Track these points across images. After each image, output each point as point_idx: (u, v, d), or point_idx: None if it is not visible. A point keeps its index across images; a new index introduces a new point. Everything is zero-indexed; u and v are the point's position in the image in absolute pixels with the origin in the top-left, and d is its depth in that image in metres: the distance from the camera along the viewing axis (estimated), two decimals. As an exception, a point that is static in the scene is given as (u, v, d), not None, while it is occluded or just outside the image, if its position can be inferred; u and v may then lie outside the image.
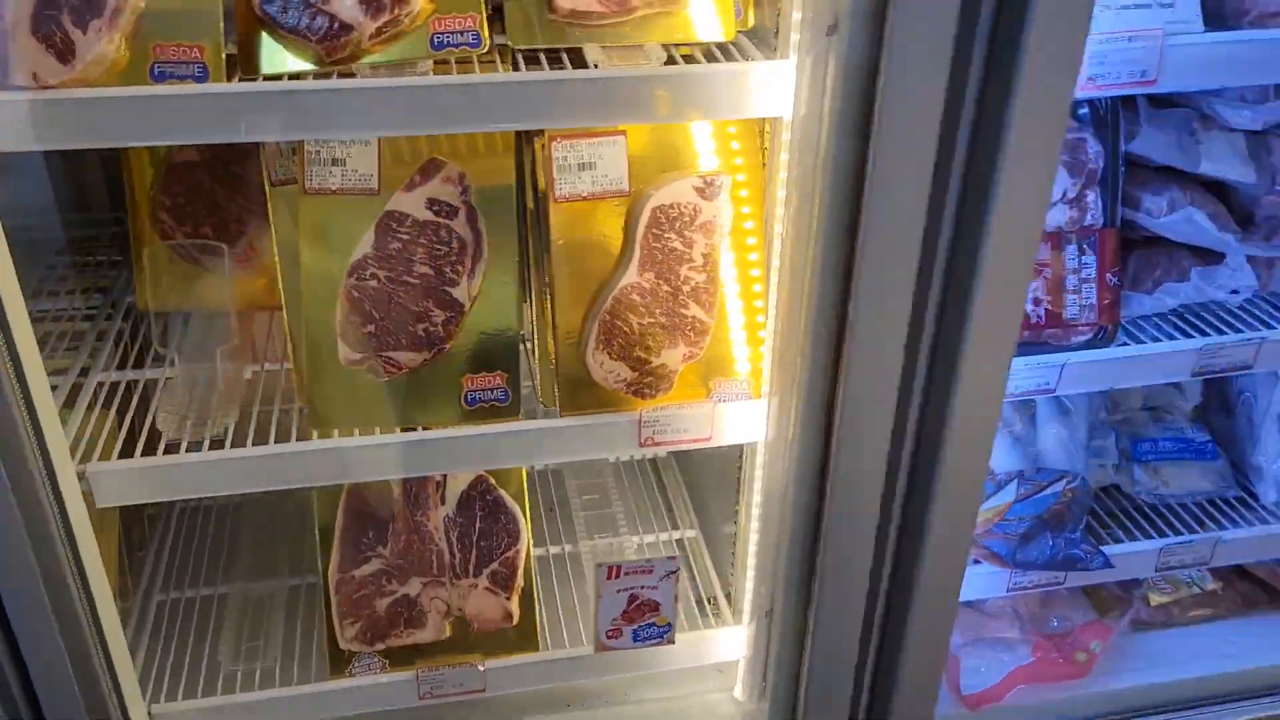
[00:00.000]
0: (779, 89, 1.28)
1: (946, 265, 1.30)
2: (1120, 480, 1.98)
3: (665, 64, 1.35)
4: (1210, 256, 1.67)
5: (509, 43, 1.39)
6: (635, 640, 1.51)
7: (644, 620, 1.49)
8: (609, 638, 1.50)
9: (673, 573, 1.46)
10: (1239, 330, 1.67)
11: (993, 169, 1.22)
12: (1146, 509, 1.97)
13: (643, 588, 1.47)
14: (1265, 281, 1.72)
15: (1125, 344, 1.63)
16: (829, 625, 1.56)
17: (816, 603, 1.54)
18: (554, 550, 2.01)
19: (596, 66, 1.32)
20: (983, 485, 1.47)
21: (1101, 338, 1.61)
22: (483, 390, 1.53)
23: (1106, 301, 1.60)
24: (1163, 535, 1.87)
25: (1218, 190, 1.68)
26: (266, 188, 1.48)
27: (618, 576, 1.45)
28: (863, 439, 1.39)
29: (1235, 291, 1.63)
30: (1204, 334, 1.66)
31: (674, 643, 1.54)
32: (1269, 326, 1.68)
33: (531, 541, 1.73)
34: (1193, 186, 1.64)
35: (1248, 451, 1.98)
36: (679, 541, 2.06)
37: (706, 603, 1.90)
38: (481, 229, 1.48)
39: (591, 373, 1.49)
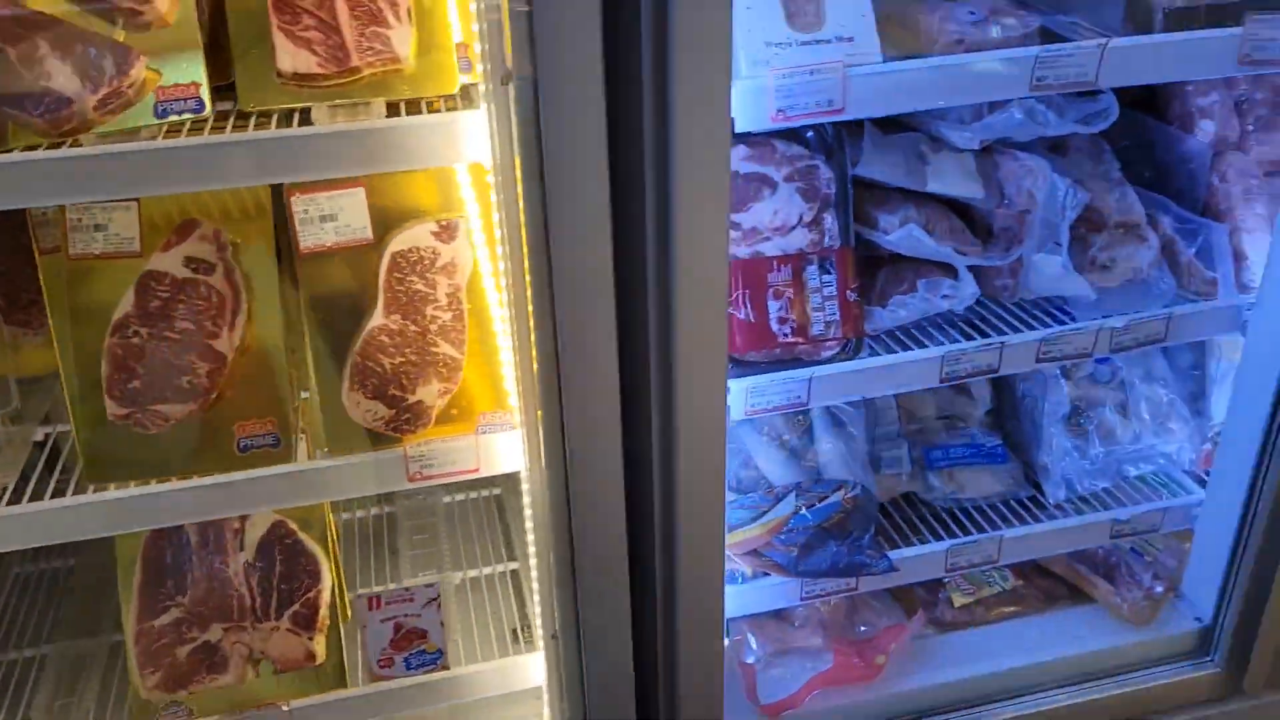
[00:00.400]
0: (480, 137, 1.38)
1: (653, 295, 1.40)
2: (916, 488, 2.06)
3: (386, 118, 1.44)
4: (950, 270, 1.77)
5: (240, 105, 1.47)
6: (408, 668, 1.57)
7: (413, 648, 1.55)
8: (381, 666, 1.56)
9: (434, 600, 1.52)
10: (988, 336, 1.77)
11: (666, 205, 1.31)
12: (943, 514, 2.06)
13: (407, 615, 1.53)
14: (1014, 290, 1.82)
15: (873, 355, 1.72)
16: (599, 645, 1.63)
17: (583, 624, 1.61)
18: (378, 590, 2.07)
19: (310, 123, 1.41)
20: (722, 498, 1.55)
21: (848, 350, 1.71)
22: (254, 436, 1.60)
23: (849, 316, 1.69)
24: (956, 537, 1.95)
25: (961, 207, 1.79)
26: (37, 256, 1.56)
27: (380, 607, 1.51)
28: (594, 462, 1.47)
29: (946, 298, 1.72)
30: (955, 340, 1.75)
31: (448, 668, 1.61)
32: (1018, 331, 1.79)
33: (343, 581, 1.79)
34: (929, 204, 1.75)
35: (1034, 452, 2.07)
36: (504, 574, 2.12)
37: (520, 631, 1.96)
38: (239, 283, 1.56)
39: (349, 413, 1.57)
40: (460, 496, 2.33)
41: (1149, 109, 1.97)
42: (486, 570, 2.12)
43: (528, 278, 1.39)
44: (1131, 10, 1.62)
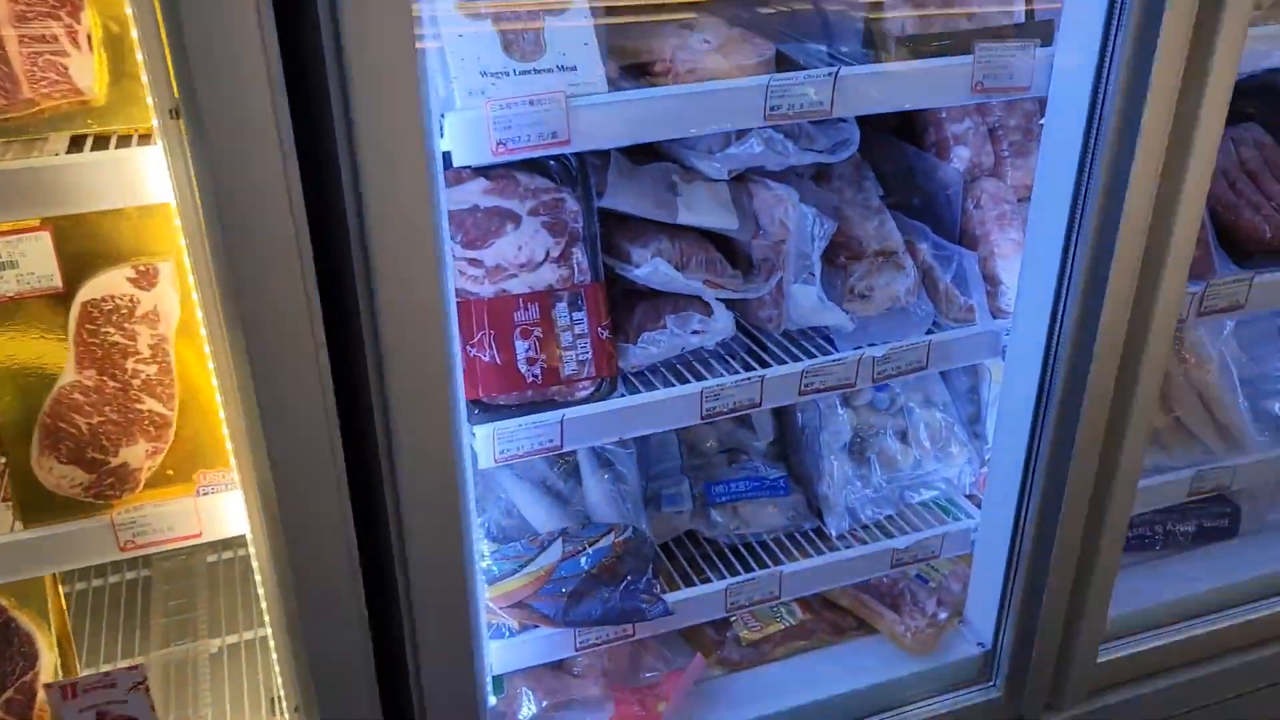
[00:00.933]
0: (161, 175, 1.26)
1: (367, 337, 1.30)
2: (699, 525, 2.01)
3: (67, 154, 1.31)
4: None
5: (-103, 144, 1.32)
6: (119, 759, 1.43)
7: (121, 736, 1.41)
8: (87, 760, 1.41)
9: (140, 683, 1.38)
10: (754, 368, 1.73)
11: (365, 243, 1.22)
12: (728, 551, 2.01)
13: (110, 703, 1.38)
14: (778, 320, 1.79)
15: (628, 393, 1.66)
16: (344, 716, 1.51)
17: (322, 695, 1.49)
18: (124, 664, 1.90)
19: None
20: (460, 551, 1.46)
21: (602, 390, 1.64)
22: (-62, 511, 1.43)
23: (602, 355, 1.63)
24: (739, 575, 1.90)
25: (723, 237, 1.75)
26: None
27: (75, 696, 1.36)
28: (311, 523, 1.36)
29: (696, 333, 1.68)
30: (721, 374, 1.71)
31: (166, 754, 1.46)
32: (784, 362, 1.75)
33: (76, 661, 1.62)
34: (685, 235, 1.70)
35: (816, 483, 2.04)
36: (265, 638, 1.97)
37: (276, 701, 1.82)
38: (-90, 340, 1.40)
39: (42, 479, 1.42)
40: (227, 555, 2.17)
41: (909, 135, 1.98)
42: (248, 635, 1.97)
43: (222, 324, 1.28)
44: (869, 38, 1.61)
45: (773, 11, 1.81)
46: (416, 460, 1.36)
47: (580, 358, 1.62)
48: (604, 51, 1.52)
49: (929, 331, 1.84)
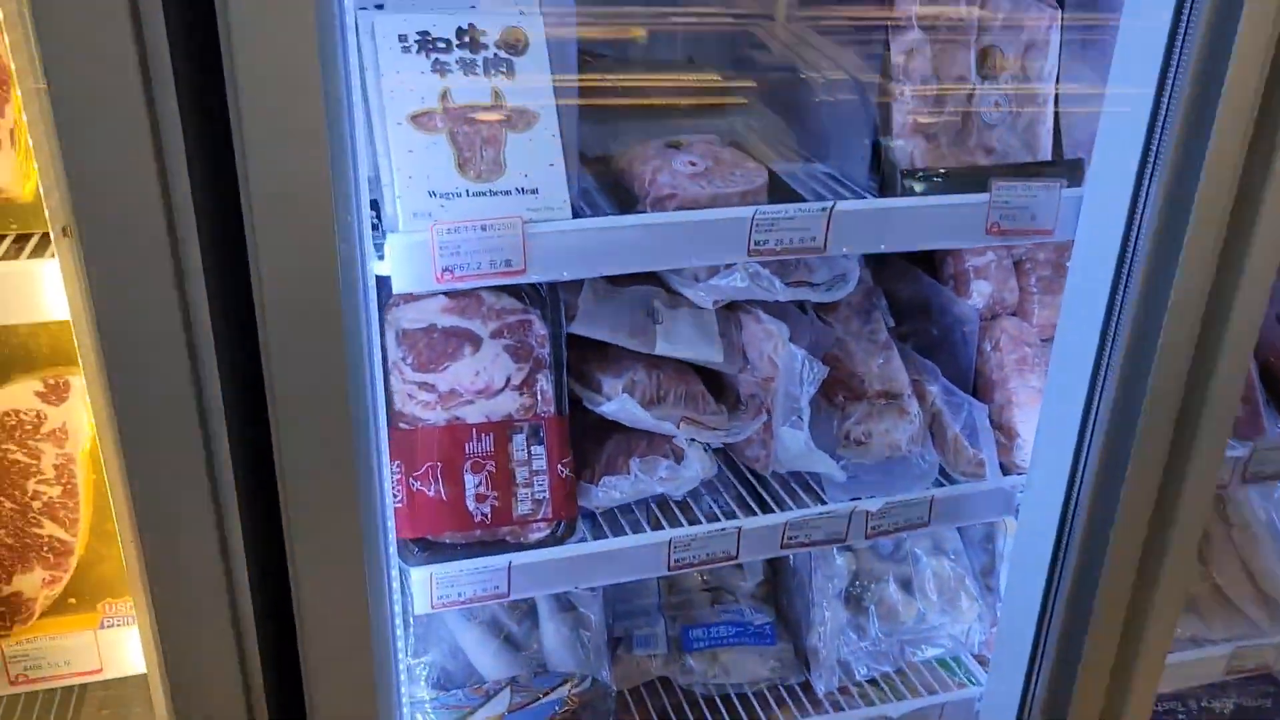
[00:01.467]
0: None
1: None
2: (672, 671, 1.83)
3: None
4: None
5: None
6: None
7: None
8: None
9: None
10: (732, 514, 1.57)
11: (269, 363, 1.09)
12: (703, 702, 1.83)
13: None
14: (766, 462, 1.62)
15: (589, 535, 1.50)
16: None
17: None
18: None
19: None
20: (373, 704, 1.30)
21: (558, 533, 1.49)
22: None
23: (561, 494, 1.48)
24: (709, 731, 1.73)
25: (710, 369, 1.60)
26: None
27: None
28: (203, 664, 1.22)
29: (663, 480, 1.51)
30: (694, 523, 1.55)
31: None
32: (773, 508, 1.59)
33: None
34: (667, 365, 1.55)
35: (805, 634, 1.86)
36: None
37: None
38: None
39: (-76, 605, 1.29)
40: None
41: (928, 261, 1.82)
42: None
43: (114, 443, 1.15)
44: (877, 166, 1.46)
45: (782, 125, 1.67)
46: (320, 607, 1.21)
47: (537, 496, 1.47)
48: (578, 167, 1.40)
49: (936, 483, 1.66)
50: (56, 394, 1.29)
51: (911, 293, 1.80)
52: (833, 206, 1.34)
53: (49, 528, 1.31)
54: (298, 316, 1.08)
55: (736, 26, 1.76)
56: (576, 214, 1.37)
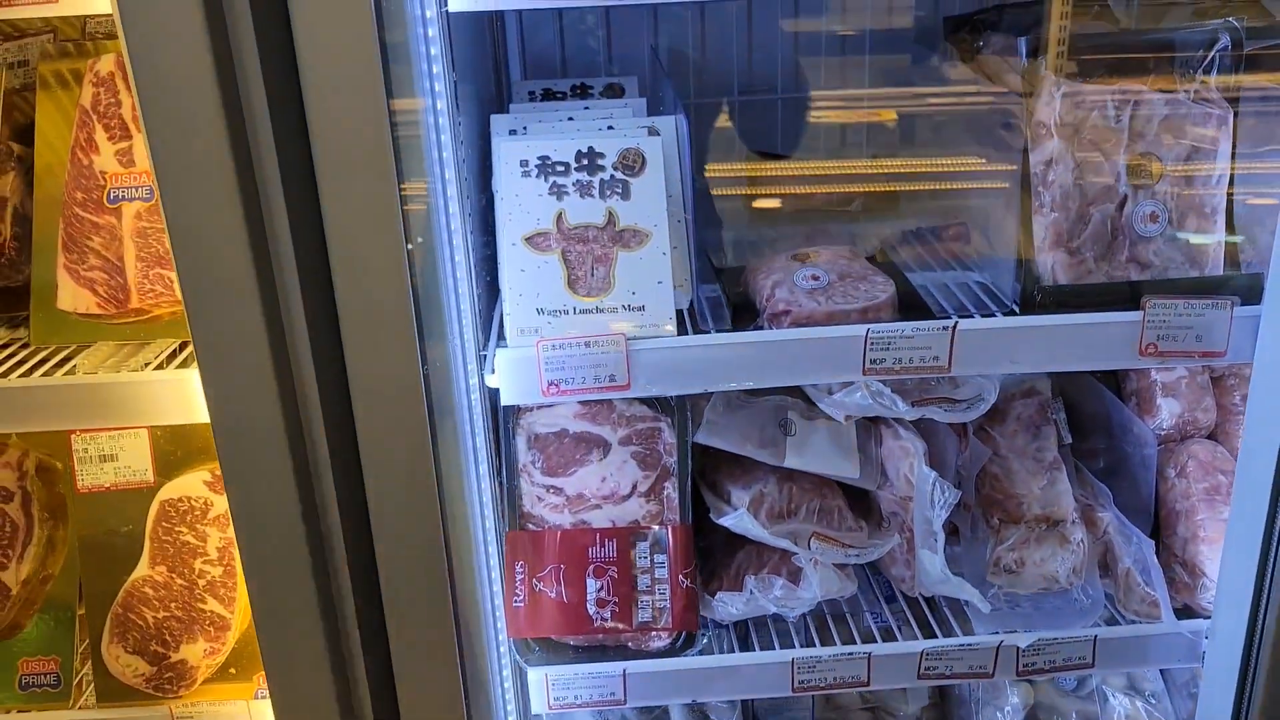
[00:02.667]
0: (212, 396, 1.28)
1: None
2: (823, 794, 1.76)
3: (163, 363, 1.37)
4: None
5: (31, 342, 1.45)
6: None
7: None
8: None
9: None
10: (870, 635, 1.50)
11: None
12: (854, 829, 1.74)
13: None
14: (910, 583, 1.54)
15: (714, 644, 1.48)
16: None
17: None
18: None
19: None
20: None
21: (679, 644, 1.48)
22: (36, 675, 1.53)
23: (681, 604, 1.47)
24: None
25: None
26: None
27: None
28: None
29: (778, 600, 1.46)
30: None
31: None
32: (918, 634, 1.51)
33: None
34: (800, 477, 1.51)
35: (970, 770, 1.73)
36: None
37: None
38: (34, 513, 1.52)
39: (109, 666, 1.47)
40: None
41: (1113, 373, 1.67)
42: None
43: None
44: (1021, 277, 1.37)
45: (939, 237, 1.60)
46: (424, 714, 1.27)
47: (658, 605, 1.47)
48: (699, 278, 1.41)
49: (1106, 620, 1.51)
50: (221, 484, 1.44)
51: (1094, 408, 1.66)
52: (955, 325, 1.27)
53: (211, 604, 1.46)
54: (388, 431, 1.15)
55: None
56: (696, 326, 1.38)
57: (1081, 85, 1.28)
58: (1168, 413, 1.57)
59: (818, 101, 1.96)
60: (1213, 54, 1.29)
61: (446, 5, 1.13)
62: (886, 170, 1.86)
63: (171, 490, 1.44)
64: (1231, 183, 1.31)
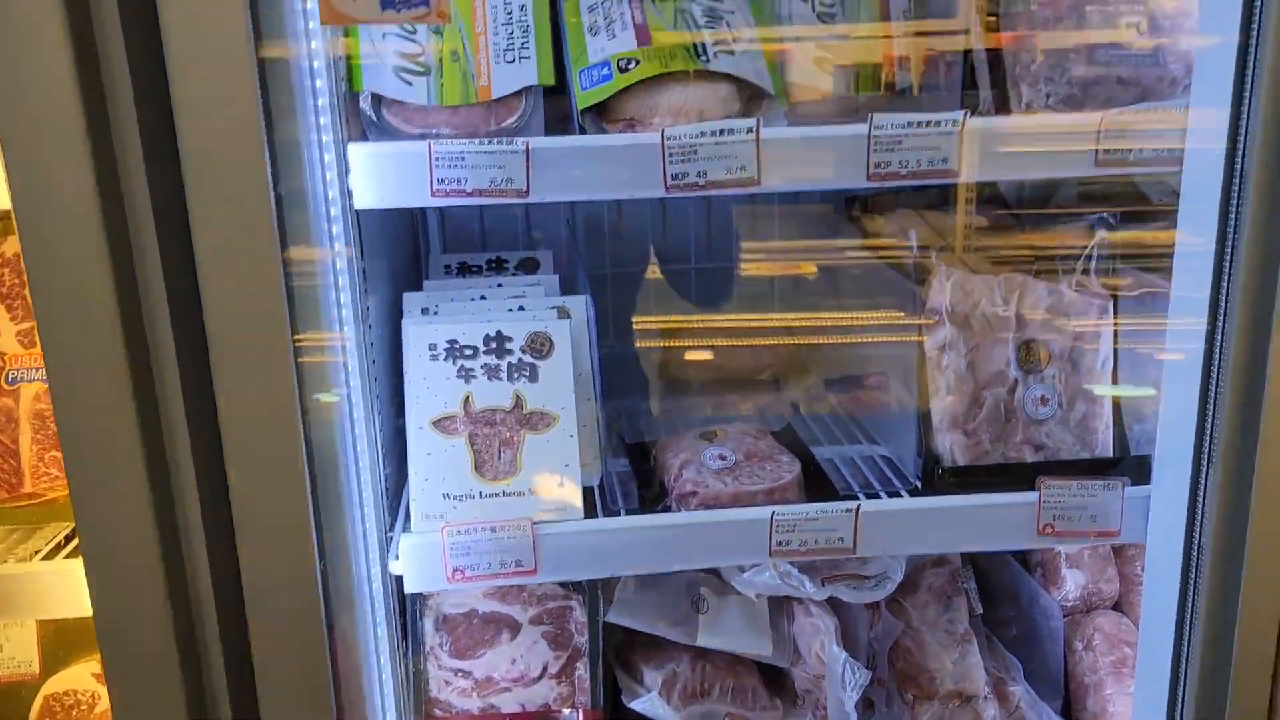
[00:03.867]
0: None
1: None
2: None
3: (54, 549, 1.33)
4: (733, 738, 1.49)
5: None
6: None
7: None
8: None
9: None
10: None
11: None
12: None
13: None
14: (829, 764, 1.51)
15: (622, 845, 1.43)
16: None
17: None
18: None
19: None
20: None
21: (589, 837, 1.42)
22: None
23: (592, 794, 1.42)
24: None
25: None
26: None
27: None
28: None
29: None
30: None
31: None
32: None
33: None
34: (716, 655, 1.50)
35: None
36: None
37: None
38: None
39: None
40: None
41: (1021, 543, 1.69)
42: None
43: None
44: (922, 453, 1.40)
45: (861, 386, 1.64)
46: None
47: (567, 795, 1.43)
48: (611, 449, 1.42)
49: (1022, 798, 1.49)
50: (111, 675, 1.38)
51: (1002, 577, 1.68)
52: (858, 508, 1.29)
53: (94, 805, 1.38)
54: (282, 628, 1.12)
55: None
56: (606, 506, 1.39)
57: (970, 274, 1.34)
58: (1073, 584, 1.59)
59: (733, 265, 2.02)
60: (1091, 246, 1.36)
61: (352, 202, 1.15)
62: (804, 324, 1.89)
63: (57, 684, 1.37)
64: (1116, 367, 1.37)
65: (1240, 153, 1.10)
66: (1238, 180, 1.09)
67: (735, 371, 1.87)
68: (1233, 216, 1.10)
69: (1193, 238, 1.17)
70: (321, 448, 1.15)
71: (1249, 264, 1.09)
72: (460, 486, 1.30)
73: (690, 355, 1.87)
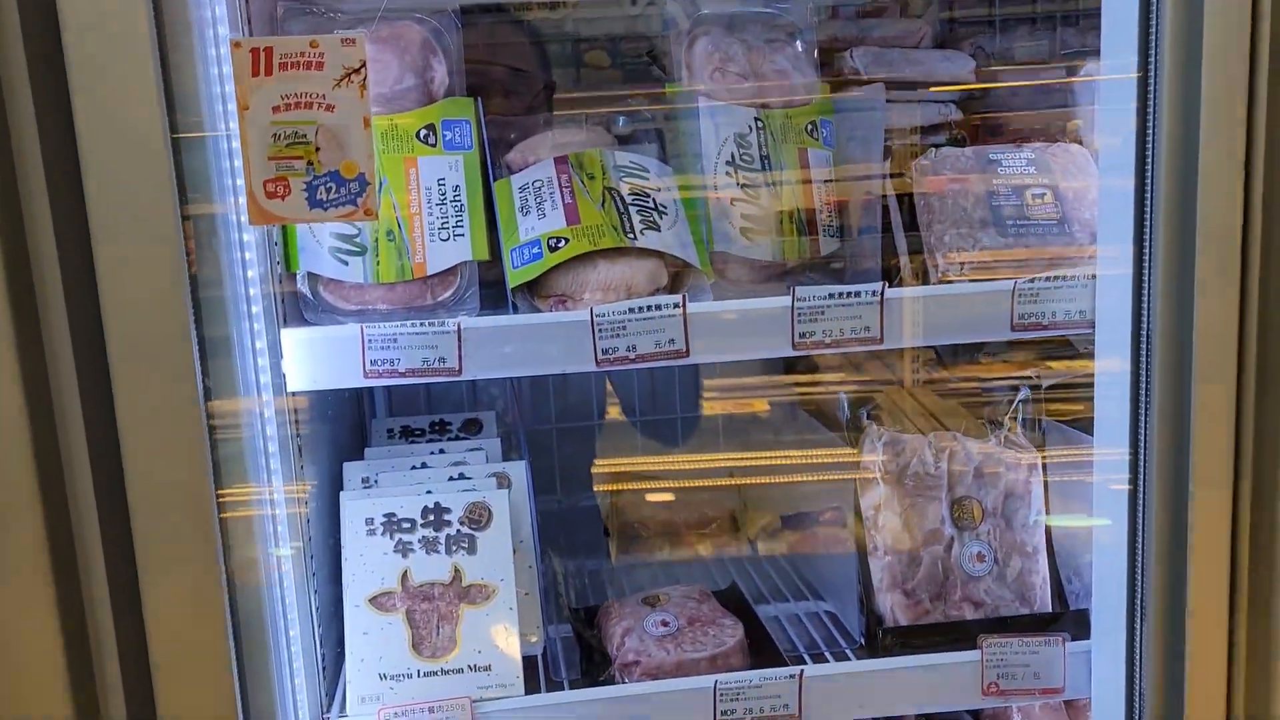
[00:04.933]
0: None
1: None
2: None
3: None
4: None
5: None
6: None
7: None
8: None
9: None
10: None
11: None
12: None
13: None
14: None
15: None
16: None
17: None
18: None
19: None
20: None
21: None
22: None
23: None
24: None
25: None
26: None
27: None
28: None
29: None
30: None
31: None
32: None
33: None
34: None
35: None
36: None
37: None
38: None
39: None
40: None
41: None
42: None
43: None
44: (864, 613, 1.40)
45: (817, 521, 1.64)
46: None
47: None
48: (555, 615, 1.41)
49: None
50: None
51: (956, 729, 1.66)
52: (802, 673, 1.28)
53: None
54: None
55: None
56: (549, 677, 1.37)
57: (900, 434, 1.37)
58: (1022, 743, 1.57)
59: (680, 414, 2.04)
60: (1016, 403, 1.40)
61: (287, 387, 1.16)
62: (758, 463, 1.88)
63: None
64: (1049, 522, 1.39)
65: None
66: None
67: (685, 521, 1.87)
68: (1143, 387, 1.14)
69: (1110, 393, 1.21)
70: (250, 627, 1.13)
71: (1161, 429, 1.13)
72: (397, 666, 1.27)
73: (638, 506, 1.87)
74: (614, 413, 2.05)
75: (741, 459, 1.83)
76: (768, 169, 1.41)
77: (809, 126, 1.45)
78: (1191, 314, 1.08)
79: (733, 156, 1.39)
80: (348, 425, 1.78)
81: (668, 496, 1.82)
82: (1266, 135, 1.05)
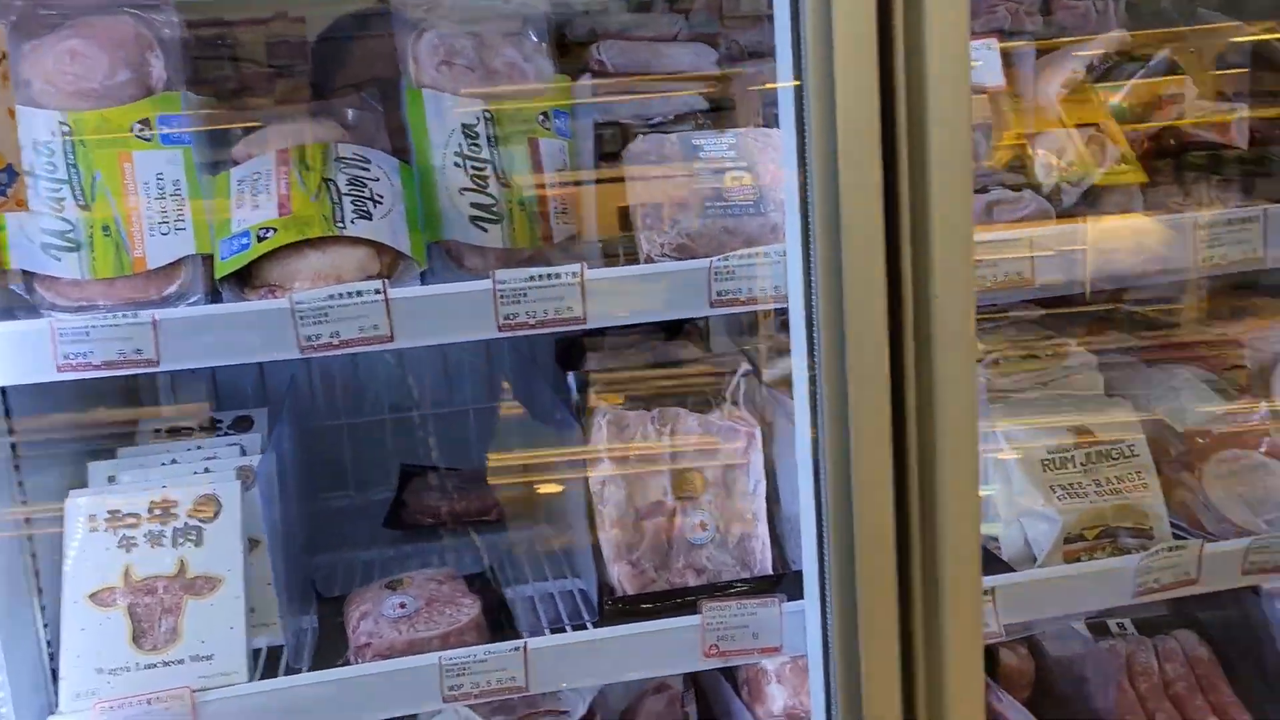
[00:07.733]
0: None
1: None
2: None
3: None
4: None
5: None
6: None
7: None
8: None
9: None
10: None
11: None
12: None
13: None
14: None
15: None
16: None
17: None
18: None
19: None
20: None
21: None
22: None
23: None
24: None
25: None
26: None
27: None
28: None
29: None
30: None
31: None
32: None
33: None
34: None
35: None
36: None
37: None
38: None
39: None
40: None
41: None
42: None
43: None
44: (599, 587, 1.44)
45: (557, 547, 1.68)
46: None
47: None
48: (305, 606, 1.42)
49: None
50: None
51: (718, 696, 1.72)
52: (525, 645, 1.32)
53: None
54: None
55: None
56: (289, 666, 1.38)
57: (626, 411, 1.42)
58: (780, 702, 1.63)
59: (464, 409, 2.07)
60: (737, 378, 1.46)
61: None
62: (515, 460, 1.92)
63: None
64: (772, 489, 1.45)
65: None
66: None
67: (465, 510, 1.90)
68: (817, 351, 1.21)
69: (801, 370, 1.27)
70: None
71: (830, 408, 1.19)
72: (115, 660, 1.27)
73: (418, 502, 1.89)
74: (402, 410, 2.07)
75: (505, 459, 1.87)
76: (496, 159, 1.44)
77: (540, 117, 1.49)
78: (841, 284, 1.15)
79: (460, 147, 1.42)
80: (118, 428, 1.75)
81: (435, 501, 1.85)
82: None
